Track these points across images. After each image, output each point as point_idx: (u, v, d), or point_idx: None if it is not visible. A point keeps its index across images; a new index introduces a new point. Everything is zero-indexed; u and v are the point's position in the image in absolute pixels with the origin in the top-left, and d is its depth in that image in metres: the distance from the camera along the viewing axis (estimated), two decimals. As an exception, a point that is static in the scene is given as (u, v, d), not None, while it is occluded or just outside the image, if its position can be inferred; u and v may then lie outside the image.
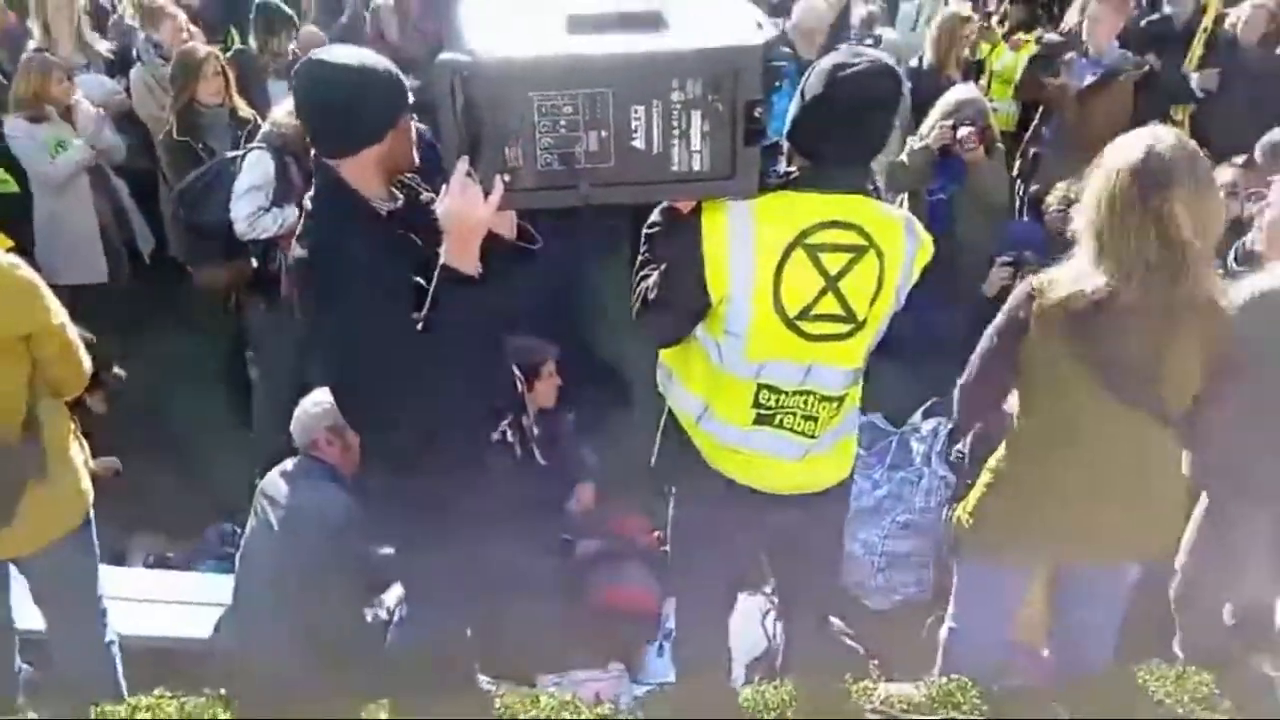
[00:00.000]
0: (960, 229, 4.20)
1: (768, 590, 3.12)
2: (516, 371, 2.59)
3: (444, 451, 2.07)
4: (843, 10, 5.86)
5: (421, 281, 1.92)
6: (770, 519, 2.23)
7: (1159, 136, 2.00)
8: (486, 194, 1.77)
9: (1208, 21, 5.45)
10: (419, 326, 1.89)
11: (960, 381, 2.33)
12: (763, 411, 2.08)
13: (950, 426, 3.86)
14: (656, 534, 3.42)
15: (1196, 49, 5.44)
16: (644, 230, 2.16)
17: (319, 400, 2.93)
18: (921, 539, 3.71)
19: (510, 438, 2.45)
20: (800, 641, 2.51)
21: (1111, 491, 2.17)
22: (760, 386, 2.06)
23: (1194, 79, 5.30)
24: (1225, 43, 5.47)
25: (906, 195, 4.41)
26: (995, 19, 6.52)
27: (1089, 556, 2.31)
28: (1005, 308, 2.20)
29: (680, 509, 2.33)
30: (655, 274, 2.06)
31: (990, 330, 2.24)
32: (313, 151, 2.09)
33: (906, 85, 4.35)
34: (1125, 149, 2.02)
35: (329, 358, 2.11)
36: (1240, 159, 3.92)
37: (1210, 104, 5.27)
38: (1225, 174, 4.02)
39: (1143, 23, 5.77)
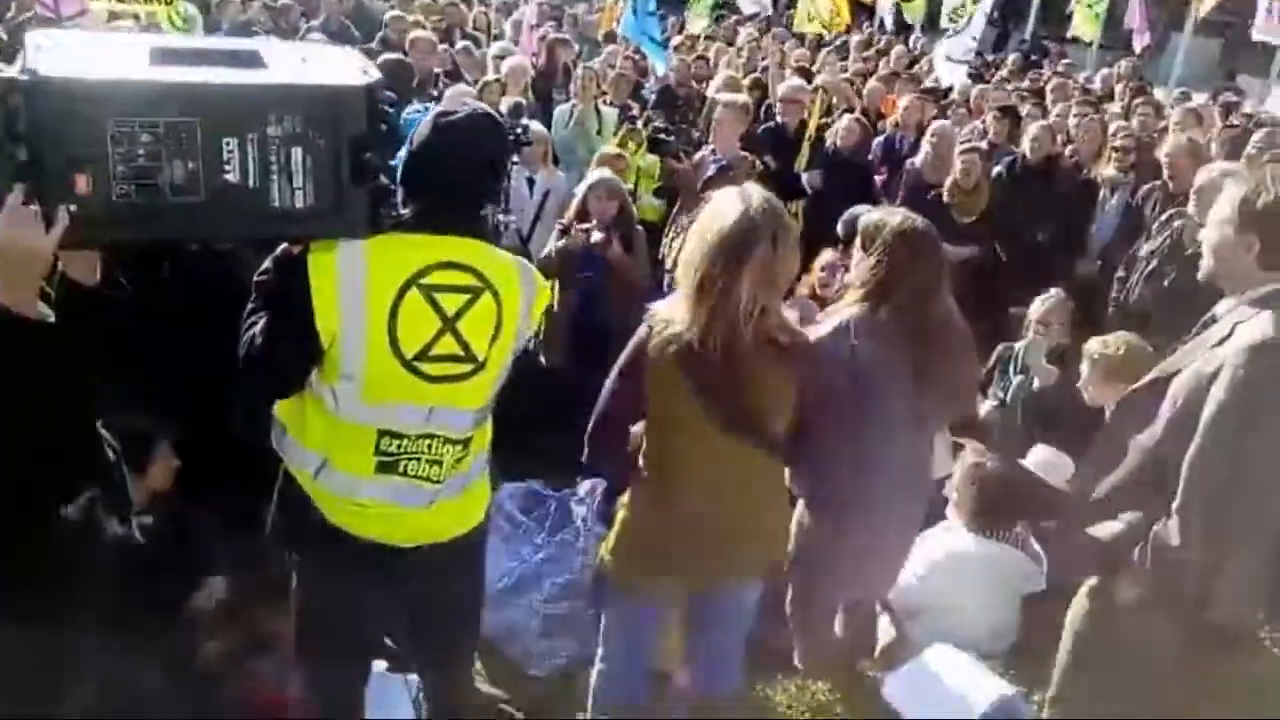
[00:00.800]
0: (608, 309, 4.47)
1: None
2: (112, 445, 2.32)
3: None
4: None
5: None
6: (401, 574, 2.14)
7: (748, 197, 2.22)
8: (49, 226, 1.60)
9: (812, 129, 6.30)
10: None
11: (589, 428, 2.42)
12: (385, 458, 2.02)
13: (606, 485, 3.99)
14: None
15: (804, 152, 6.26)
16: (254, 278, 2.06)
17: None
18: (581, 599, 3.75)
19: (101, 516, 2.16)
20: (441, 700, 2.41)
21: (727, 519, 2.34)
22: (381, 433, 2.01)
23: (804, 178, 6.08)
24: (827, 148, 6.37)
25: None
26: (640, 123, 7.13)
27: (710, 581, 2.46)
28: (628, 347, 2.34)
29: (302, 575, 2.19)
30: (262, 320, 1.97)
31: (614, 370, 2.36)
32: None
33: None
34: (719, 210, 2.22)
35: None
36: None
37: (817, 198, 6.06)
38: (827, 255, 4.67)
39: (760, 129, 6.58)
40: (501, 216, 5.17)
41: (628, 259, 4.54)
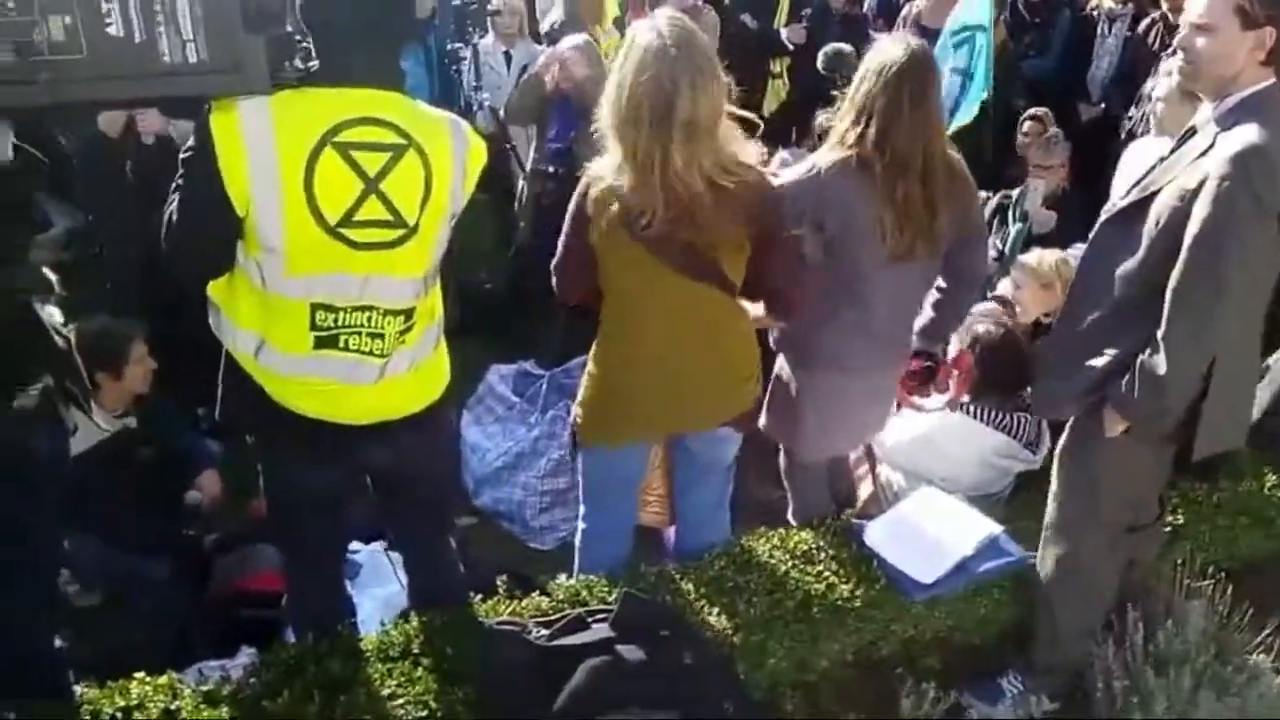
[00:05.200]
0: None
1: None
2: (61, 333, 2.27)
3: None
4: None
5: None
6: (357, 451, 2.10)
7: (662, 33, 2.07)
8: None
9: (792, -19, 5.99)
10: None
11: (553, 263, 2.37)
12: (321, 334, 1.94)
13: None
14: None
15: (784, 8, 5.97)
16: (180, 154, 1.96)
17: None
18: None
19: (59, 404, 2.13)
20: (423, 570, 2.42)
21: (688, 361, 2.30)
22: (314, 306, 1.91)
23: (784, 33, 5.81)
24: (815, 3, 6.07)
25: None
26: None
27: (681, 425, 2.43)
28: (574, 199, 2.26)
29: (263, 457, 2.17)
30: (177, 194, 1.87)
31: (567, 218, 2.29)
32: None
33: None
34: (636, 61, 2.09)
35: None
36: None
37: (804, 55, 5.79)
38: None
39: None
40: (474, 94, 5.04)
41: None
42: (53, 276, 2.09)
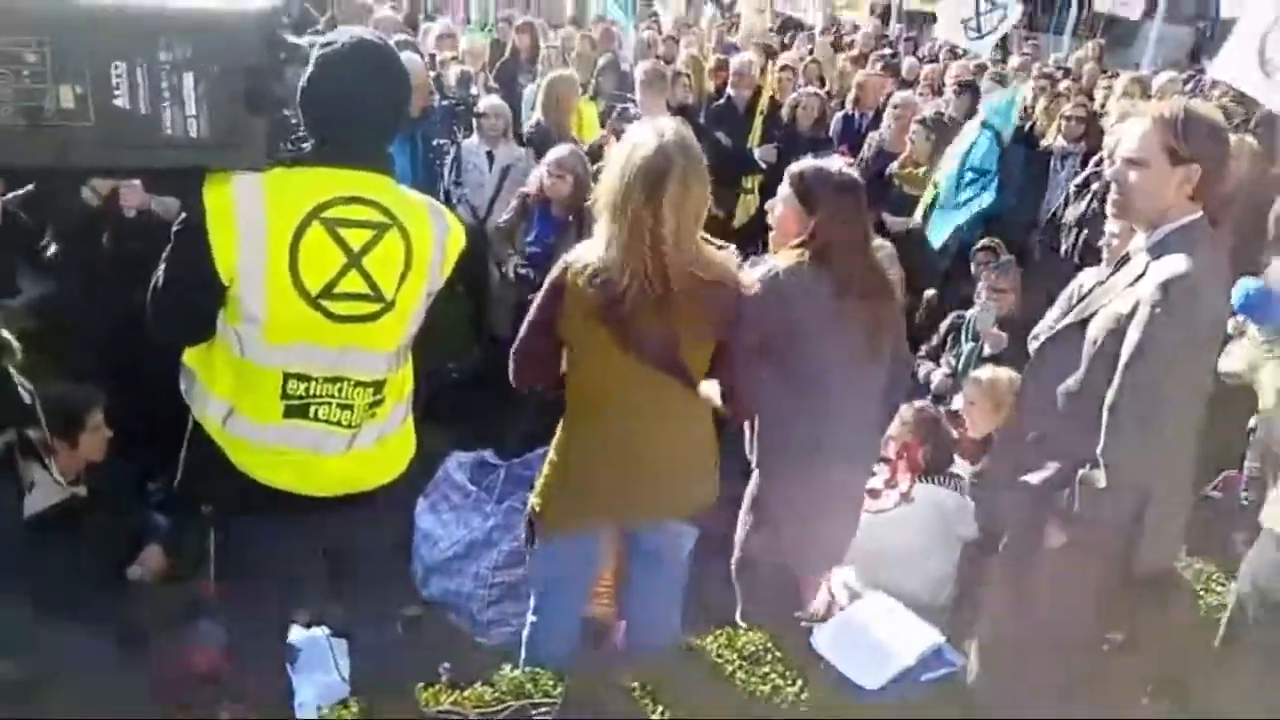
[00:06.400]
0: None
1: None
2: (27, 388, 2.28)
3: None
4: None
5: None
6: (315, 524, 2.11)
7: (661, 130, 2.23)
8: None
9: (763, 105, 6.31)
10: None
11: (513, 347, 2.43)
12: (292, 403, 1.99)
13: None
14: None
15: (757, 129, 6.26)
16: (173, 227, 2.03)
17: None
18: (529, 566, 3.75)
19: (18, 460, 2.14)
20: (366, 652, 2.39)
21: (645, 452, 2.34)
22: (288, 375, 1.97)
23: (756, 153, 6.08)
24: (784, 123, 6.38)
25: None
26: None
27: (638, 510, 2.46)
28: (545, 284, 2.34)
29: (219, 528, 2.16)
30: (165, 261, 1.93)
31: (536, 302, 2.36)
32: None
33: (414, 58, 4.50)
34: (634, 142, 2.23)
35: None
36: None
37: (773, 175, 6.06)
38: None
39: (711, 105, 6.57)
40: (454, 189, 5.19)
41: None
42: (15, 343, 2.14)
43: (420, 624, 3.52)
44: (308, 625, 2.97)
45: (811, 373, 2.63)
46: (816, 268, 2.62)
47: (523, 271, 4.46)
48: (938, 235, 5.37)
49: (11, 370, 2.06)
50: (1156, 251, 2.20)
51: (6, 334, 2.09)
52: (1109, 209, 2.36)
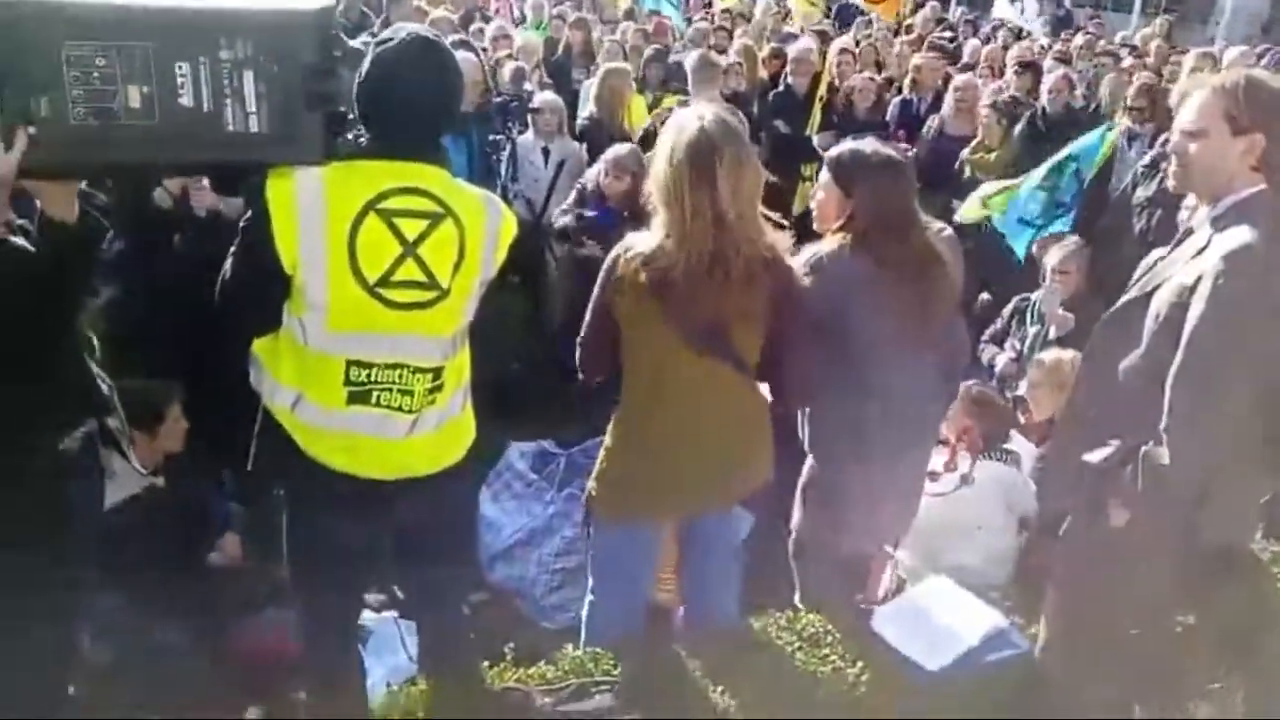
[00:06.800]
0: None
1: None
2: (105, 380, 2.39)
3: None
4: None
5: None
6: (381, 507, 2.17)
7: (703, 114, 2.25)
8: (8, 146, 1.66)
9: (822, 91, 6.26)
10: None
11: (579, 338, 2.48)
12: (355, 389, 2.05)
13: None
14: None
15: (815, 115, 6.22)
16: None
17: None
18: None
19: (100, 449, 2.23)
20: (434, 632, 2.45)
21: (701, 439, 2.36)
22: (349, 362, 2.03)
23: (815, 139, 6.04)
24: (840, 109, 6.33)
25: None
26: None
27: (693, 507, 2.47)
28: (602, 270, 2.37)
29: (290, 511, 2.24)
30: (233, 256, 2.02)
31: (594, 292, 2.40)
32: None
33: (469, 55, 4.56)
34: (679, 127, 2.26)
35: None
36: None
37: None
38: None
39: (769, 95, 6.54)
40: (510, 185, 5.26)
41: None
42: (95, 340, 2.24)
43: (485, 608, 3.59)
44: (378, 609, 3.06)
45: (859, 356, 2.61)
46: (858, 251, 2.59)
47: (582, 255, 4.49)
48: (1020, 246, 5.26)
49: (91, 364, 2.16)
50: (1220, 224, 2.14)
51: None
52: (1169, 182, 2.30)
